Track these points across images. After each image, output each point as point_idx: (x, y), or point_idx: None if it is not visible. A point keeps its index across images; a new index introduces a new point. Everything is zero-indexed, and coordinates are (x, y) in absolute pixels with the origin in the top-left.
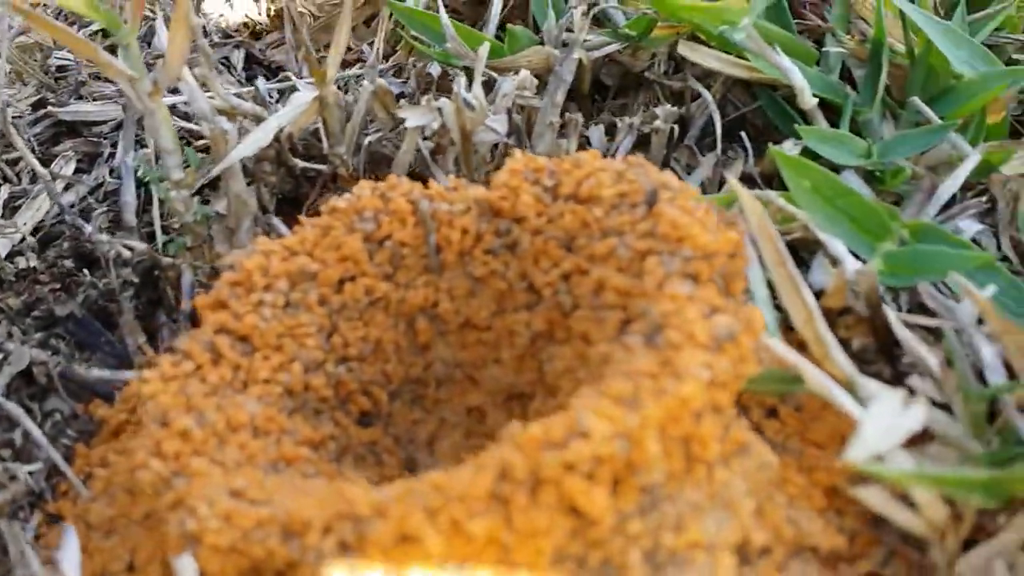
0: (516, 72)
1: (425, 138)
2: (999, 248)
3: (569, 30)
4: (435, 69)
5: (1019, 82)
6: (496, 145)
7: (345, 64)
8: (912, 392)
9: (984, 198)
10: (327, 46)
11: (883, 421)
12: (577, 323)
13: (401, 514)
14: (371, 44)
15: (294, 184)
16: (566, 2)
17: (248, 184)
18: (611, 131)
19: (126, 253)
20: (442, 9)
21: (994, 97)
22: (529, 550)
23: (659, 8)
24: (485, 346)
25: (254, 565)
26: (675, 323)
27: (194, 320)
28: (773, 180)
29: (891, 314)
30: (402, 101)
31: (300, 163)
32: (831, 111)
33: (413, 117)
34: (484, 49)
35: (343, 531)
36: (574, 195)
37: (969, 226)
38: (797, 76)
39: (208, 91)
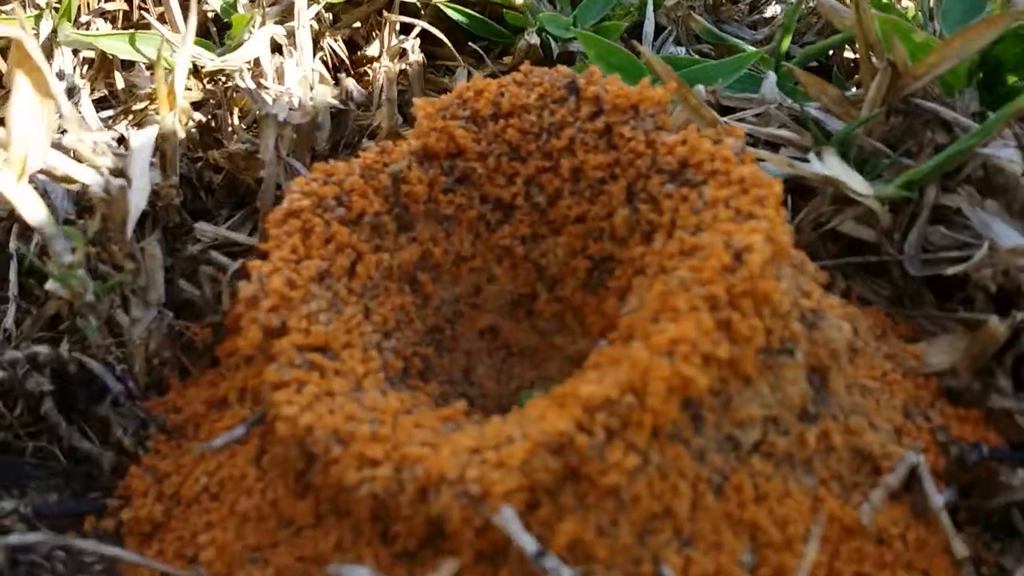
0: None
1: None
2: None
3: None
4: None
5: None
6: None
7: None
8: None
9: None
10: None
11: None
12: (563, 211)
13: (669, 372)
14: None
15: None
16: None
17: None
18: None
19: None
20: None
21: None
22: (750, 355)
23: None
24: (476, 272)
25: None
26: (700, 160)
27: (131, 398)
28: None
29: None
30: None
31: None
32: None
33: (279, 110)
34: None
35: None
36: (498, 113)
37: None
38: None
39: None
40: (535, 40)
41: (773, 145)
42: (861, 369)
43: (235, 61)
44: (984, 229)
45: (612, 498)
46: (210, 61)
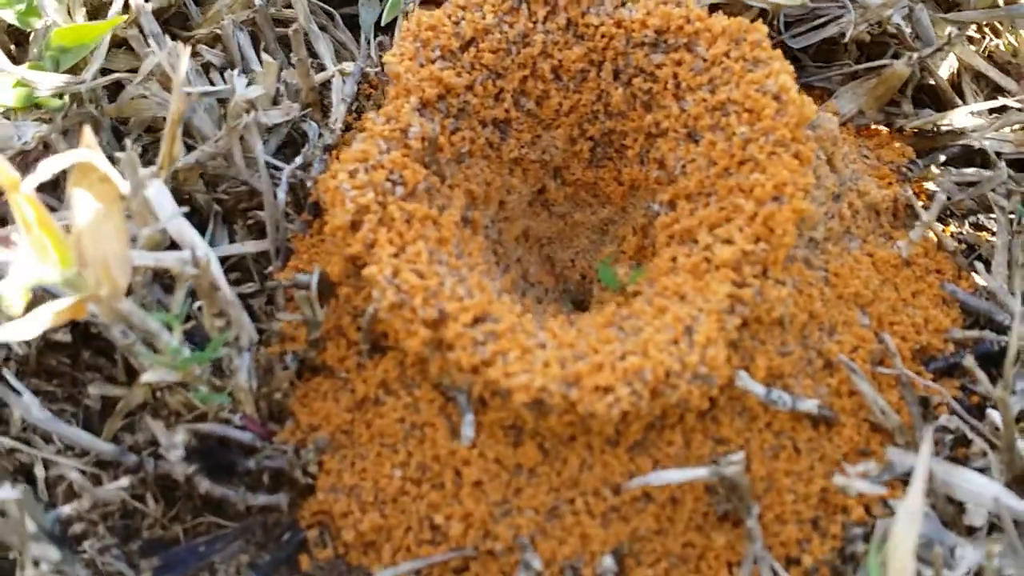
0: None
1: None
2: None
3: None
4: None
5: None
6: None
7: None
8: None
9: None
10: None
11: None
12: (553, 107)
13: (789, 212)
14: None
15: None
16: None
17: None
18: None
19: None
20: None
21: None
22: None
23: None
24: (498, 189)
25: None
26: (678, 24)
27: (265, 439)
28: None
29: None
30: None
31: None
32: None
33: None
34: None
35: (752, 260)
36: (464, 44)
37: None
38: None
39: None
40: None
41: None
42: None
43: (88, 81)
44: None
45: (778, 325)
46: (79, 85)
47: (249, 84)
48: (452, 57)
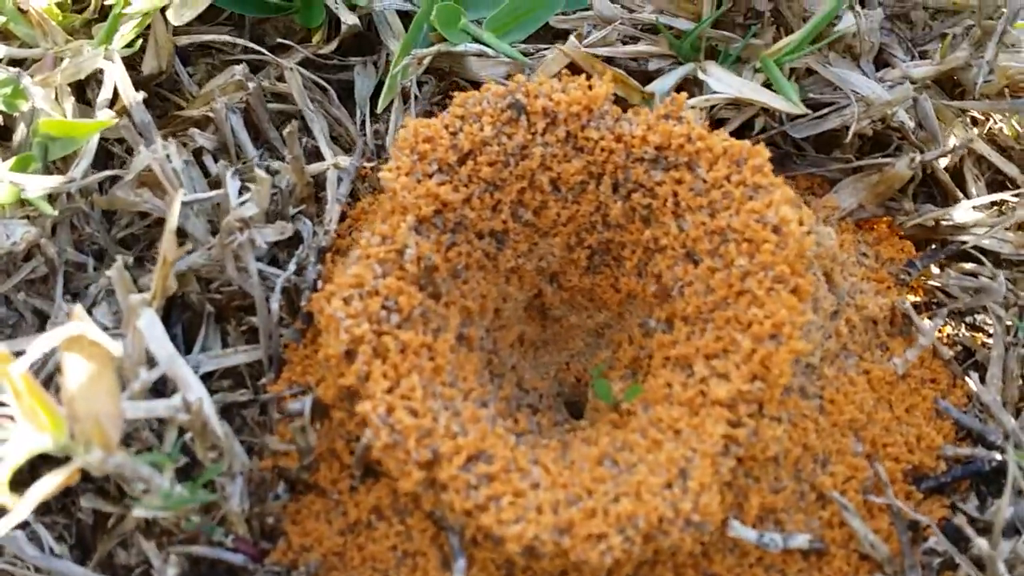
0: None
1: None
2: None
3: None
4: None
5: None
6: None
7: None
8: None
9: None
10: None
11: None
12: (552, 217)
13: (786, 352)
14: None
15: None
16: None
17: None
18: None
19: None
20: None
21: None
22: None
23: None
24: (494, 300)
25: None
26: (679, 143)
27: (257, 560)
28: None
29: None
30: None
31: None
32: None
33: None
34: None
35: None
36: (462, 157)
37: None
38: None
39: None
40: (353, 20)
41: (634, 61)
42: None
43: (81, 176)
44: (845, 84)
45: (772, 462)
46: (69, 185)
47: (242, 190)
48: (449, 170)
